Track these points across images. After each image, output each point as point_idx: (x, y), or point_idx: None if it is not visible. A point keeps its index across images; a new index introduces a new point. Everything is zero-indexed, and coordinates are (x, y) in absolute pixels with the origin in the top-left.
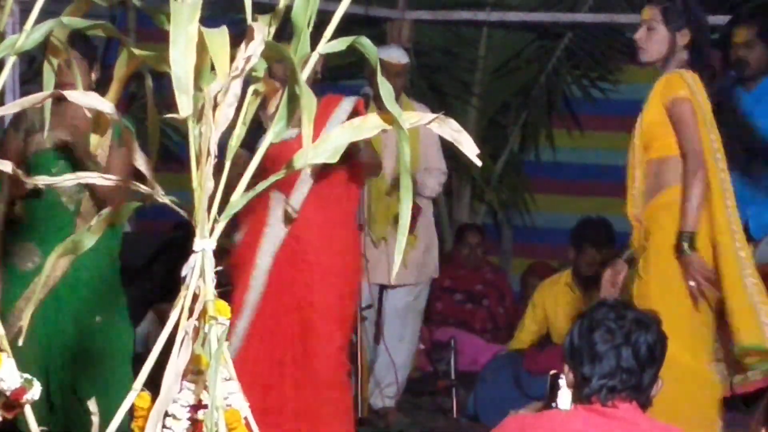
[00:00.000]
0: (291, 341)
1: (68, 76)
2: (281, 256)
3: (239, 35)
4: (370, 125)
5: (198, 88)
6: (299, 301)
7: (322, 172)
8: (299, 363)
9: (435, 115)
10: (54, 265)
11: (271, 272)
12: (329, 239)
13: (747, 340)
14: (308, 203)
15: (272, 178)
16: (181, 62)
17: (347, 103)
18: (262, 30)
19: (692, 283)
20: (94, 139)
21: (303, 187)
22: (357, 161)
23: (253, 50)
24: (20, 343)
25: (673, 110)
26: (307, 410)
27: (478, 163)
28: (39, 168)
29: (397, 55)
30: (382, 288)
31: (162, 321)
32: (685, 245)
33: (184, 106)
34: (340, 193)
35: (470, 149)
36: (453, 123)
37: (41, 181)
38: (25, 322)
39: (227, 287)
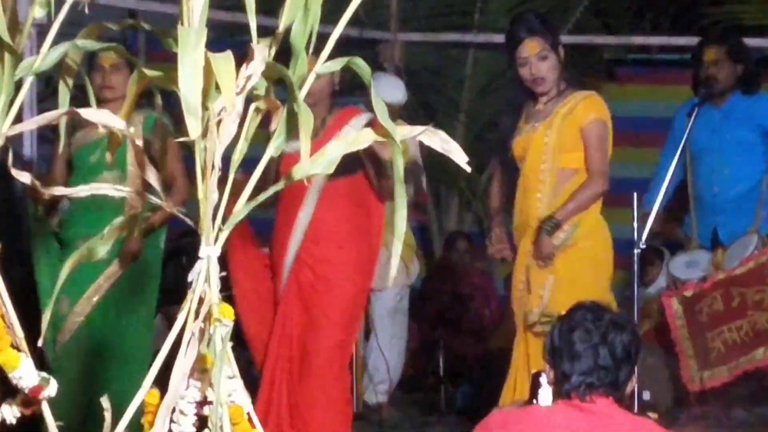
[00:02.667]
0: (294, 339)
1: (114, 79)
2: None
3: (243, 56)
4: (364, 138)
5: (204, 107)
6: (306, 301)
7: (342, 179)
8: (297, 358)
9: (425, 128)
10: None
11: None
12: (340, 241)
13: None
14: (323, 204)
15: (271, 190)
16: (188, 85)
17: (366, 116)
18: (263, 51)
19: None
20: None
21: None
22: (384, 181)
23: (254, 70)
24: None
25: None
26: (302, 403)
27: (468, 169)
28: (80, 161)
29: (399, 98)
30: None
31: (170, 323)
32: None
33: (193, 128)
34: (360, 201)
35: (459, 157)
36: (442, 134)
37: (58, 191)
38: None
39: (230, 291)
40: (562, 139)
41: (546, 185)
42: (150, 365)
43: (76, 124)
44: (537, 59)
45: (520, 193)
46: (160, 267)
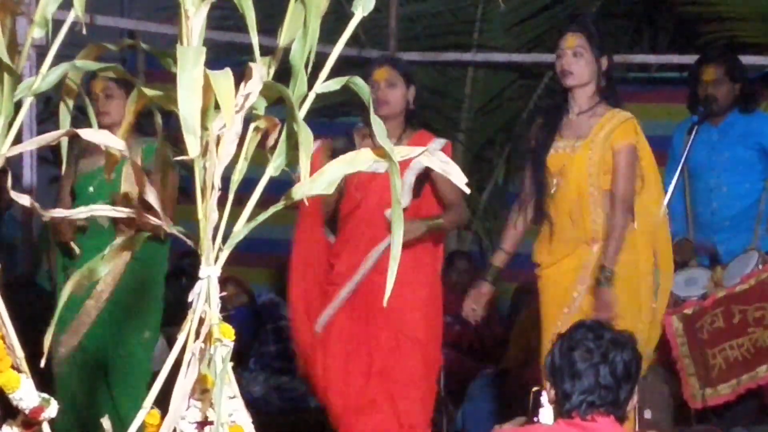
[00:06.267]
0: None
1: (108, 105)
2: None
3: (242, 76)
4: (363, 159)
5: (204, 126)
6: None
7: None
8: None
9: (424, 149)
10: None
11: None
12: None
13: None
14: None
15: (271, 210)
16: (187, 104)
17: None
18: (261, 70)
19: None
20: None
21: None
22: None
23: (252, 88)
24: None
25: None
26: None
27: (467, 190)
28: (81, 190)
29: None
30: None
31: (170, 343)
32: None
33: (192, 147)
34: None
35: (459, 178)
36: (441, 155)
37: (56, 214)
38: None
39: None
40: (604, 160)
41: (597, 206)
42: (149, 386)
43: (79, 153)
44: (572, 53)
45: (563, 215)
46: (162, 288)
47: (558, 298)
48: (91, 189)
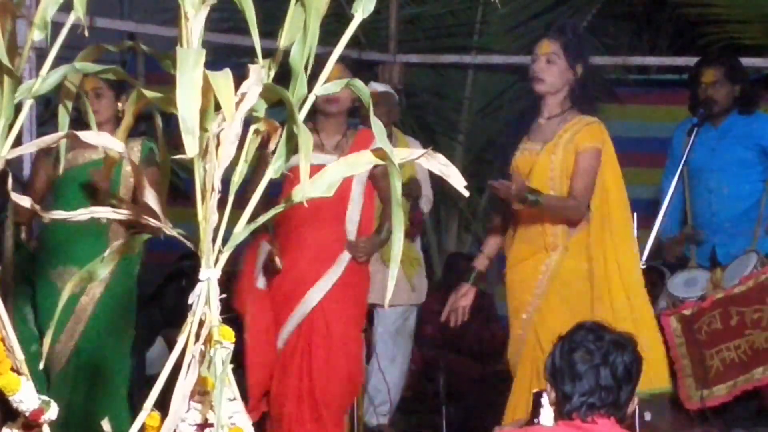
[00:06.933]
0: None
1: (97, 104)
2: None
3: (241, 78)
4: (363, 160)
5: (203, 128)
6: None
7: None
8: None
9: (424, 151)
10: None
11: None
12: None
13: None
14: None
15: (272, 211)
16: (187, 105)
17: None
18: (259, 71)
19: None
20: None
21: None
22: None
23: (248, 88)
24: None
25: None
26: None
27: (466, 194)
28: (67, 183)
29: (374, 87)
30: (372, 307)
31: (170, 345)
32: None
33: (191, 147)
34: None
35: (458, 181)
36: (441, 158)
37: (56, 215)
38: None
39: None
40: (566, 165)
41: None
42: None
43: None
44: (545, 59)
45: (525, 217)
46: (135, 295)
47: (516, 302)
48: (80, 182)
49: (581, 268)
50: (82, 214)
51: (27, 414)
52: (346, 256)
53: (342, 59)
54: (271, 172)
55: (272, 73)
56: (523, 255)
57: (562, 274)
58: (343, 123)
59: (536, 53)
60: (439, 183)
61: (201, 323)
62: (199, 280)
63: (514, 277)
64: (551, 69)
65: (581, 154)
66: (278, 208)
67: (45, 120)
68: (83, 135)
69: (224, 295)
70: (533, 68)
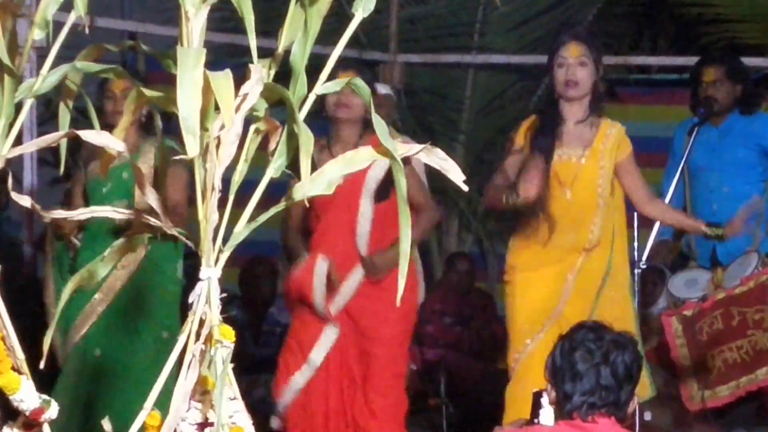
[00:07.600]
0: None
1: (122, 105)
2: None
3: (242, 78)
4: (363, 157)
5: (203, 128)
6: (363, 330)
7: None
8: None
9: (423, 146)
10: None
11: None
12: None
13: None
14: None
15: (272, 210)
16: (187, 105)
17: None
18: (260, 71)
19: None
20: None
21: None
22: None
23: (250, 89)
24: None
25: None
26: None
27: (465, 188)
28: (93, 192)
29: (377, 88)
30: None
31: None
32: None
33: (192, 147)
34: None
35: (457, 176)
36: (440, 152)
37: (57, 215)
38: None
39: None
40: (610, 171)
41: (599, 215)
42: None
43: (89, 156)
44: (576, 63)
45: (566, 221)
46: (177, 288)
47: (537, 304)
48: (104, 190)
49: (602, 265)
50: (80, 213)
51: (27, 413)
52: (358, 273)
53: (355, 67)
54: (272, 171)
55: (272, 73)
56: (553, 258)
57: (585, 270)
58: (356, 133)
59: (564, 57)
60: (439, 183)
61: (201, 322)
62: (199, 280)
63: (533, 280)
64: (584, 72)
65: (625, 160)
66: (278, 207)
67: (45, 120)
68: (84, 134)
69: (224, 294)
70: (565, 72)
